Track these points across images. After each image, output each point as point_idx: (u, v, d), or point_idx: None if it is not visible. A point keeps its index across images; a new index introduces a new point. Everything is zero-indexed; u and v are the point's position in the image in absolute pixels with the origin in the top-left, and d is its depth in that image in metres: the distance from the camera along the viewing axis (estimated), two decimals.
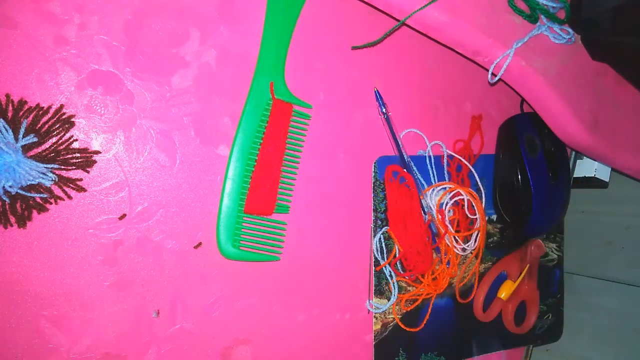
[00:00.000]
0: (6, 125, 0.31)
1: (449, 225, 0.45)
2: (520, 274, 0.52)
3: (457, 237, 0.46)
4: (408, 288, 0.45)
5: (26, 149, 0.32)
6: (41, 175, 0.32)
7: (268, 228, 0.39)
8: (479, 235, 0.47)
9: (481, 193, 0.48)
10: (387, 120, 0.44)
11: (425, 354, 0.47)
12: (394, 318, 0.45)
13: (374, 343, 0.44)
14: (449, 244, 0.46)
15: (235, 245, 0.38)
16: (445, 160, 0.47)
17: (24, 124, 0.32)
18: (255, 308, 0.40)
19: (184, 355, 0.37)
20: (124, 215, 0.35)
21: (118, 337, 0.35)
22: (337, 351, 0.43)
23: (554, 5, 0.41)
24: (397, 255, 0.44)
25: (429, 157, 0.46)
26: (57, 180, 0.33)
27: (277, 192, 0.39)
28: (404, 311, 0.45)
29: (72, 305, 0.34)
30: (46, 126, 0.33)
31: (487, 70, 0.41)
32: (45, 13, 0.33)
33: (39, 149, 0.33)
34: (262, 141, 0.38)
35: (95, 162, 0.34)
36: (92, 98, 0.34)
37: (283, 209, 0.40)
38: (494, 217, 0.51)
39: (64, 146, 0.33)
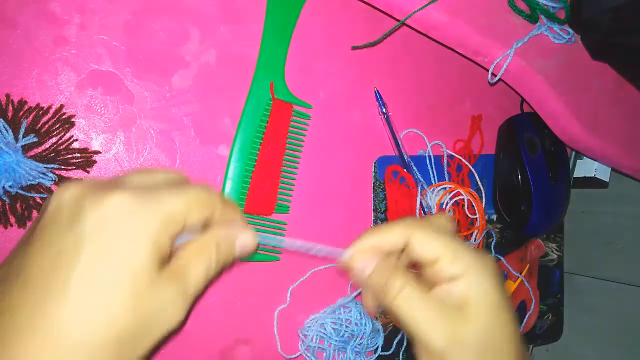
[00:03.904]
0: (6, 125, 0.31)
1: None
2: (520, 274, 0.52)
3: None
4: None
5: (26, 149, 0.32)
6: (41, 175, 0.32)
7: (268, 228, 0.39)
8: (478, 234, 0.47)
9: (481, 193, 0.48)
10: (387, 120, 0.44)
11: None
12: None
13: None
14: None
15: None
16: (445, 160, 0.47)
17: (24, 124, 0.32)
18: (255, 308, 0.40)
19: (184, 355, 0.37)
20: None
21: None
22: None
23: (554, 5, 0.41)
24: None
25: (429, 157, 0.46)
26: (57, 180, 0.33)
27: (277, 192, 0.39)
28: None
29: None
30: (46, 126, 0.33)
31: (487, 70, 0.41)
32: (45, 13, 0.33)
33: (39, 149, 0.33)
34: (262, 141, 0.38)
35: (95, 162, 0.34)
36: (92, 98, 0.34)
37: (283, 209, 0.40)
38: (494, 217, 0.51)
39: (64, 146, 0.33)
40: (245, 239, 0.24)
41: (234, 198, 0.38)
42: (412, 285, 0.24)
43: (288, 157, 0.40)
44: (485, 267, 0.25)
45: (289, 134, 0.39)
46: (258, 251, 0.39)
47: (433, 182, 0.46)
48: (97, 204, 0.20)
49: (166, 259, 0.22)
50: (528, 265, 0.52)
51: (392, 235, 0.26)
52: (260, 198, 0.38)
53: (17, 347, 0.19)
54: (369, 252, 0.26)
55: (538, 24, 0.42)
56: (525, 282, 0.52)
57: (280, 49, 0.39)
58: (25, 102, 0.32)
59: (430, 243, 0.25)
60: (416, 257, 0.25)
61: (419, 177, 0.46)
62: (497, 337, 0.24)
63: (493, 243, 0.50)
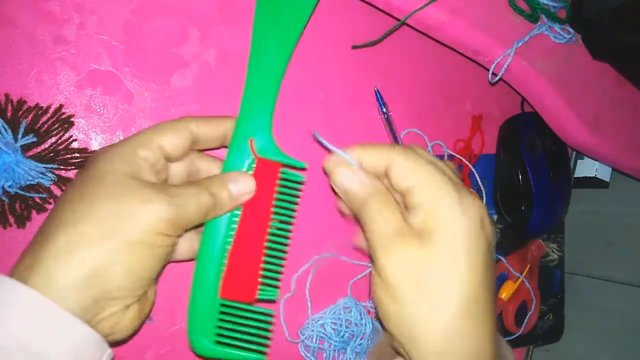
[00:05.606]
0: (5, 125, 0.31)
1: None
2: (521, 274, 0.51)
3: None
4: None
5: (25, 148, 0.32)
6: (40, 176, 0.32)
7: (250, 318, 0.32)
8: None
9: (482, 193, 0.48)
10: (387, 120, 0.44)
11: None
12: None
13: None
14: None
15: (210, 338, 0.31)
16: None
17: (23, 123, 0.32)
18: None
19: (184, 355, 0.37)
20: None
21: None
22: None
23: (555, 4, 0.41)
24: None
25: None
26: (56, 180, 0.33)
27: (260, 272, 0.32)
28: None
29: None
30: (45, 126, 0.33)
31: (488, 70, 0.41)
32: (45, 13, 0.33)
33: (38, 149, 0.32)
34: (242, 210, 0.31)
35: None
36: (91, 98, 0.34)
37: (269, 294, 0.32)
38: (495, 217, 0.50)
39: (63, 146, 0.33)
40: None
41: (208, 282, 0.31)
42: (386, 206, 0.25)
43: (275, 229, 0.32)
44: (457, 203, 0.24)
45: (275, 199, 0.32)
46: (238, 346, 0.32)
47: None
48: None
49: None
50: (529, 266, 0.52)
51: (374, 153, 0.27)
52: (238, 281, 0.31)
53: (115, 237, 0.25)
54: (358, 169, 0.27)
55: (539, 23, 0.42)
56: (526, 283, 0.52)
57: (264, 102, 0.33)
58: (25, 101, 0.32)
59: (408, 173, 0.25)
60: (394, 184, 0.26)
61: None
62: (455, 271, 0.23)
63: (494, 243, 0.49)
